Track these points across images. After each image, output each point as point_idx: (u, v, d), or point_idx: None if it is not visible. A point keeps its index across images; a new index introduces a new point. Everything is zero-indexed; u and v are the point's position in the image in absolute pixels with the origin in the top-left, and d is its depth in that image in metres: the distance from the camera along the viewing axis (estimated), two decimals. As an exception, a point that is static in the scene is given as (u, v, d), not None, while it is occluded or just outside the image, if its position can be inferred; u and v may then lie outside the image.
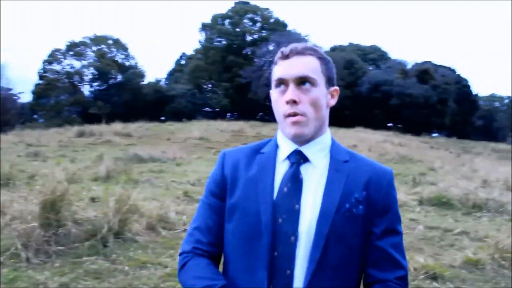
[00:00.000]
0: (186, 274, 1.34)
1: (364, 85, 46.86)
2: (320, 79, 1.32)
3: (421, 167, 15.89)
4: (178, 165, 13.17)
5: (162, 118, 43.05)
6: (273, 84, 1.36)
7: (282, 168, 1.35)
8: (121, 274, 4.35)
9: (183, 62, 60.92)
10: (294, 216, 1.26)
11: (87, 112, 43.81)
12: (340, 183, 1.29)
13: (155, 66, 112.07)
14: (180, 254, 1.41)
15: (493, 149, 33.67)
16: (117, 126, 24.48)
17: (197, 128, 25.02)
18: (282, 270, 1.24)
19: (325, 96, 1.35)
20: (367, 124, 37.27)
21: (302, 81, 1.29)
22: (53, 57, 48.37)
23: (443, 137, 44.45)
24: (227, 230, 1.36)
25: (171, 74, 60.52)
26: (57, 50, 48.51)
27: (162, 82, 56.32)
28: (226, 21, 52.99)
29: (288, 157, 1.35)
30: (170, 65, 71.43)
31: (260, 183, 1.32)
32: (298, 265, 1.24)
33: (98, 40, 50.86)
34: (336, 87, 1.40)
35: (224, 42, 52.10)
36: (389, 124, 47.08)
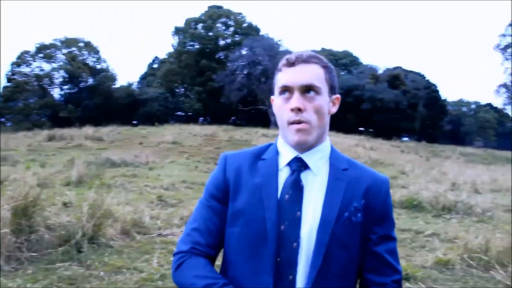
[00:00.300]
0: (184, 273, 1.34)
1: (336, 90, 47.31)
2: (324, 88, 1.35)
3: (393, 170, 16.17)
4: (151, 170, 13.08)
5: (134, 122, 42.62)
6: (276, 90, 1.38)
7: (283, 174, 1.37)
8: (96, 279, 4.30)
9: (155, 65, 60.47)
10: (296, 222, 1.28)
11: (58, 116, 42.98)
12: (340, 191, 1.32)
13: (127, 70, 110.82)
14: (176, 254, 1.41)
15: (461, 153, 34.48)
16: (89, 130, 24.09)
17: (169, 132, 24.85)
18: (285, 275, 1.27)
19: (328, 104, 1.38)
20: (339, 129, 37.67)
21: (307, 89, 1.32)
22: (21, 60, 47.27)
23: (413, 141, 45.27)
24: (231, 234, 1.37)
25: (143, 77, 59.99)
26: (26, 52, 47.46)
27: (135, 86, 55.73)
28: (199, 25, 52.91)
29: (289, 164, 1.37)
30: (143, 69, 70.77)
31: (265, 190, 1.34)
32: (300, 271, 1.27)
33: (68, 42, 49.99)
34: (338, 95, 1.44)
35: (197, 46, 52.00)
36: (360, 129, 47.70)
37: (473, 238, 5.68)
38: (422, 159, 25.00)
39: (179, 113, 52.32)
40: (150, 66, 61.62)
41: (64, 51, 49.78)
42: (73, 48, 50.39)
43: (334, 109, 1.42)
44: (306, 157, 1.36)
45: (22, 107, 44.78)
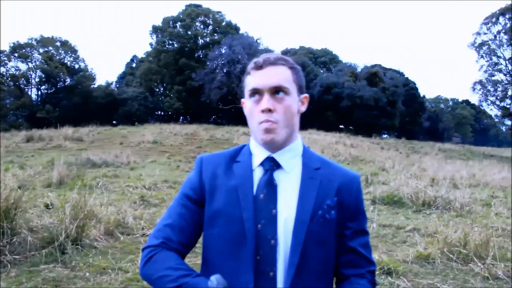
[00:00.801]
0: (155, 265, 1.34)
1: (316, 88, 47.66)
2: (292, 88, 1.39)
3: (373, 167, 16.36)
4: (133, 170, 13.01)
5: (114, 122, 42.25)
6: (247, 93, 1.41)
7: (257, 174, 1.40)
8: (81, 280, 4.28)
9: (134, 65, 59.98)
10: (272, 220, 1.32)
11: (35, 116, 42.32)
12: (313, 190, 1.36)
13: (106, 69, 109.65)
14: (145, 248, 1.40)
15: (439, 149, 35.03)
16: (68, 130, 23.81)
17: (150, 131, 24.72)
18: (265, 272, 1.30)
19: (297, 104, 1.41)
20: (319, 126, 37.96)
21: (276, 90, 1.35)
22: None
23: (392, 138, 45.80)
24: (210, 236, 1.40)
25: (122, 77, 59.47)
26: (1, 52, 46.55)
27: (113, 85, 55.21)
28: (178, 24, 52.61)
29: (262, 164, 1.41)
30: (121, 68, 70.09)
31: (241, 191, 1.37)
32: (280, 268, 1.31)
33: (44, 41, 49.18)
34: (306, 94, 1.48)
35: (176, 45, 51.71)
36: (340, 126, 48.08)
37: (453, 233, 5.79)
38: (402, 155, 25.32)
39: (159, 112, 52.04)
40: (128, 65, 61.10)
41: (41, 50, 48.99)
42: (50, 48, 49.61)
43: (303, 108, 1.46)
44: (278, 156, 1.39)
45: (-3, 108, 43.96)
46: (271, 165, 1.40)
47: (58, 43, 50.39)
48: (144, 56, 56.51)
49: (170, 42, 52.18)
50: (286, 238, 1.31)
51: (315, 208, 1.34)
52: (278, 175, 1.39)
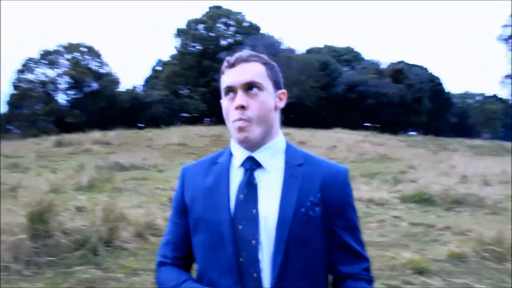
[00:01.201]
0: (157, 281, 1.45)
1: (340, 86, 47.33)
2: (267, 83, 1.37)
3: (401, 165, 16.16)
4: (160, 172, 13.16)
5: (140, 124, 42.74)
6: (222, 93, 1.40)
7: (237, 175, 1.38)
8: (114, 282, 4.36)
9: (159, 68, 60.61)
10: (252, 221, 1.29)
11: (63, 121, 43.16)
12: (295, 187, 1.33)
13: (131, 73, 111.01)
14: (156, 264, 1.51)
15: (468, 146, 34.34)
16: (96, 134, 24.19)
17: (175, 134, 24.92)
18: (249, 273, 1.28)
19: (273, 100, 1.39)
20: (344, 125, 37.65)
21: (249, 86, 1.34)
22: (26, 67, 47.50)
23: (419, 135, 45.03)
24: (195, 243, 1.41)
25: (147, 80, 60.08)
26: (31, 59, 47.67)
27: (139, 89, 55.86)
28: (200, 26, 52.95)
29: (242, 164, 1.38)
30: (147, 72, 70.97)
31: (217, 193, 1.36)
32: (264, 268, 1.29)
33: (71, 48, 50.10)
34: (284, 90, 1.45)
35: (199, 47, 52.04)
36: (365, 124, 47.60)
37: (485, 230, 5.69)
38: (429, 152, 24.92)
39: (184, 114, 52.43)
40: (153, 68, 61.76)
41: (68, 56, 49.94)
42: (76, 54, 50.52)
43: (281, 104, 1.43)
44: (258, 155, 1.37)
45: (28, 114, 44.99)
46: (250, 164, 1.37)
47: (83, 49, 51.25)
48: (169, 59, 57.04)
49: (193, 44, 52.54)
50: (268, 238, 1.28)
51: (297, 206, 1.30)
52: (258, 174, 1.36)
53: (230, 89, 1.36)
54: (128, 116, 44.35)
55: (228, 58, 1.39)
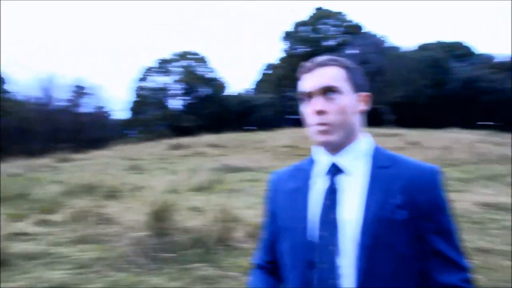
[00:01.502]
0: (249, 285, 1.54)
1: (453, 83, 44.63)
2: (346, 87, 1.35)
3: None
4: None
5: (249, 127, 43.80)
6: (301, 98, 1.41)
7: (320, 181, 1.38)
8: (230, 280, 4.47)
9: (266, 71, 61.76)
10: (335, 227, 1.28)
11: (178, 126, 45.66)
12: (379, 191, 1.29)
13: (239, 77, 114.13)
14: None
15: None
16: (208, 137, 25.23)
17: (285, 136, 25.14)
18: (330, 281, 1.26)
19: (354, 103, 1.37)
20: (459, 124, 35.44)
21: (327, 90, 1.33)
22: (145, 75, 51.21)
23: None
24: (278, 250, 1.45)
25: (255, 84, 61.56)
26: (150, 68, 51.30)
27: (247, 92, 57.43)
28: (306, 28, 53.08)
29: (324, 170, 1.38)
30: (254, 76, 72.59)
31: (298, 200, 1.38)
32: (346, 276, 1.25)
33: (184, 56, 53.04)
34: (366, 93, 1.41)
35: (305, 49, 52.18)
36: (483, 123, 44.37)
37: None
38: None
39: (292, 116, 52.83)
40: (261, 72, 63.05)
41: (181, 64, 52.88)
42: (188, 61, 53.30)
43: (364, 107, 1.40)
44: (339, 159, 1.35)
45: (147, 119, 48.36)
46: (332, 170, 1.35)
47: (195, 56, 53.95)
48: (276, 62, 57.89)
49: (300, 46, 52.80)
50: (350, 244, 1.25)
51: (381, 210, 1.25)
52: (340, 180, 1.34)
53: (308, 94, 1.37)
54: (238, 119, 45.77)
55: (305, 63, 1.41)
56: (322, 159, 1.39)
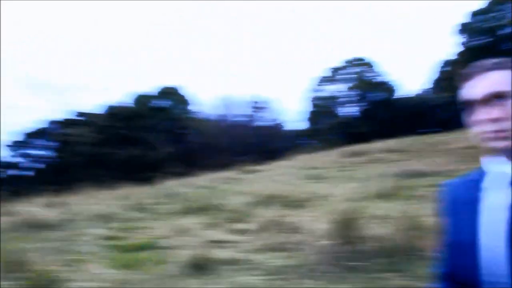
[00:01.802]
0: None
1: None
2: None
3: None
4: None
5: (425, 130, 41.61)
6: (464, 107, 1.31)
7: (491, 194, 1.25)
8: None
9: (444, 68, 58.09)
10: (503, 245, 1.16)
11: (351, 132, 45.54)
12: None
13: (413, 78, 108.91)
14: None
15: None
16: (385, 142, 24.60)
17: (465, 137, 23.23)
18: None
19: None
20: None
21: (492, 97, 1.22)
22: (319, 84, 52.42)
23: None
24: (448, 265, 1.35)
25: (433, 82, 58.37)
26: (322, 77, 52.33)
27: (424, 93, 54.76)
28: (481, 17, 48.48)
29: (495, 181, 1.26)
30: (429, 74, 68.84)
31: (469, 213, 1.27)
32: None
33: (354, 62, 52.84)
34: None
35: (480, 41, 47.65)
36: None
37: None
38: None
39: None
40: (435, 70, 59.52)
41: (353, 70, 52.76)
42: (359, 67, 52.91)
43: None
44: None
45: (322, 128, 49.32)
46: (505, 181, 1.22)
47: (365, 61, 53.35)
48: (450, 58, 53.97)
49: (474, 38, 48.40)
50: None
51: None
52: None
53: (472, 103, 1.27)
54: (412, 122, 44.06)
55: (465, 70, 1.33)
56: (492, 170, 1.29)
